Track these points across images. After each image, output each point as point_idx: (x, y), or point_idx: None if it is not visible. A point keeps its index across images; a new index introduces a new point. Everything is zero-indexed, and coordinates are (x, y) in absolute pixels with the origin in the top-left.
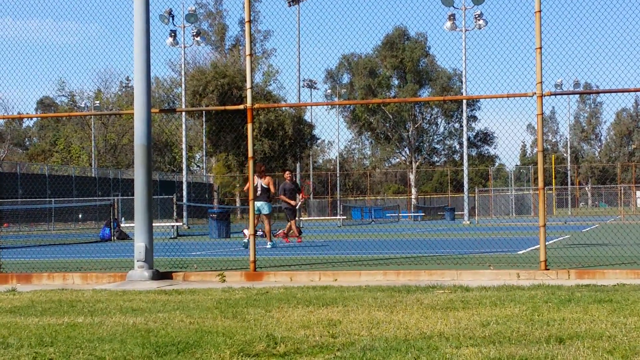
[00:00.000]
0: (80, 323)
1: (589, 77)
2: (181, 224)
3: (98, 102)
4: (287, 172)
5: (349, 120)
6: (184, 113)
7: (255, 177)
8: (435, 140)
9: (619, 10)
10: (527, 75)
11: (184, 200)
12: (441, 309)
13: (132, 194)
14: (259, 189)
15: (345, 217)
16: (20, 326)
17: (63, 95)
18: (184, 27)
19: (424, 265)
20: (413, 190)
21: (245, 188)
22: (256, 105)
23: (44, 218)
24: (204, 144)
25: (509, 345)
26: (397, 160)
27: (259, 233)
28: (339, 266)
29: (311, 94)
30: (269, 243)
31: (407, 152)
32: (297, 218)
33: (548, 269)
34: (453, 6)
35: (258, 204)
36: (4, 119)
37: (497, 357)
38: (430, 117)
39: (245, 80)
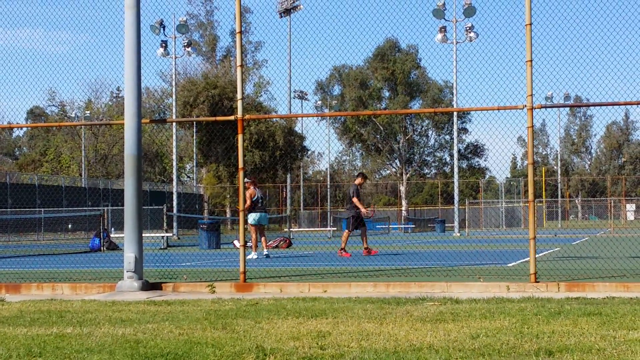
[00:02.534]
0: (69, 334)
1: (579, 90)
2: (171, 234)
3: (88, 112)
4: (361, 177)
5: (340, 132)
6: (174, 123)
7: (255, 189)
8: (426, 152)
9: (609, 24)
10: (518, 88)
11: (174, 210)
12: (431, 321)
13: (122, 204)
14: (260, 200)
15: (335, 229)
16: (8, 336)
17: (53, 105)
18: (175, 37)
19: (414, 277)
20: (403, 202)
21: None
22: (247, 116)
23: (33, 228)
24: (195, 155)
25: (498, 357)
26: (388, 172)
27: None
28: (328, 277)
29: (302, 105)
30: (255, 254)
31: (398, 163)
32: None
33: (538, 282)
34: (444, 18)
35: (262, 215)
36: None
37: None
38: (421, 129)
39: (236, 91)
